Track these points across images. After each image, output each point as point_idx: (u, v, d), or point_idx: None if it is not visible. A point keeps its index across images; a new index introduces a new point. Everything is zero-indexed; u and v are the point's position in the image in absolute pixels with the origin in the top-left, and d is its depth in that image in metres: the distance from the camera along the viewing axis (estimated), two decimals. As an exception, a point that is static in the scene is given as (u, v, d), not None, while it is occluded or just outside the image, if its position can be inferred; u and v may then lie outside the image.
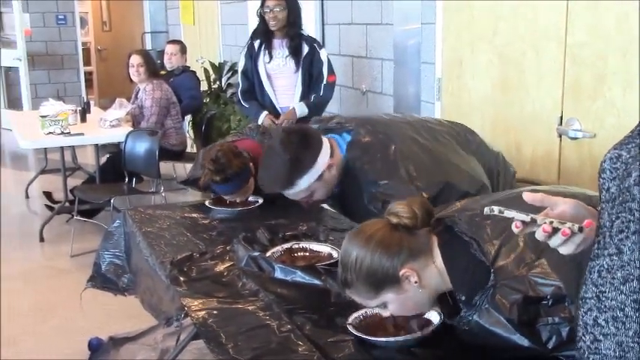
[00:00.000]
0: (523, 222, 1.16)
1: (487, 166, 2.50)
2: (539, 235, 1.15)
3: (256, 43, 4.50)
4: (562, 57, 3.03)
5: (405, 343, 1.69)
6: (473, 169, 2.40)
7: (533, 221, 1.15)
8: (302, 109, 4.44)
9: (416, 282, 1.63)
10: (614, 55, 2.77)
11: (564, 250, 1.17)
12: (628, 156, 1.09)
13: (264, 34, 4.46)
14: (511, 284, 1.54)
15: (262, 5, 4.40)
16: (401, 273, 1.62)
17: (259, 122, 4.44)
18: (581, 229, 1.13)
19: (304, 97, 4.47)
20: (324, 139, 2.34)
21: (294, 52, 4.41)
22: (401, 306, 1.68)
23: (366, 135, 2.35)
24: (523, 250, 1.57)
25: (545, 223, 1.14)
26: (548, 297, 1.51)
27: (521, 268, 1.55)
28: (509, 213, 1.16)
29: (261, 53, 4.48)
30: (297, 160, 2.24)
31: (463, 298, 1.62)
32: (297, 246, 2.36)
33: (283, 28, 4.39)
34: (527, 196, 1.19)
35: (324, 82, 4.45)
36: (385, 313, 1.73)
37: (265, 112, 4.46)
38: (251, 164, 2.80)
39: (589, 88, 2.92)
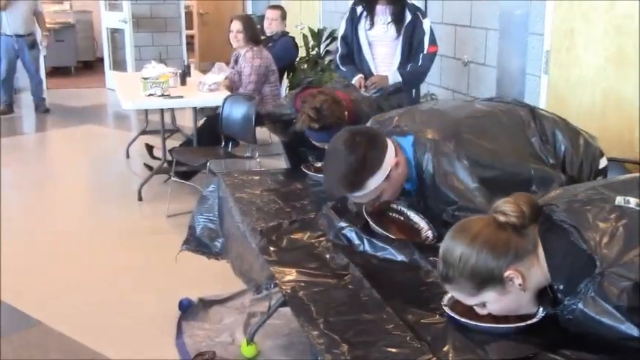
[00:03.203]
0: None
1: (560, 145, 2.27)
2: None
3: (359, 9, 4.40)
4: (687, 30, 2.81)
5: (507, 331, 1.62)
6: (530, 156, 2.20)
7: None
8: (395, 77, 4.33)
9: (520, 284, 1.56)
10: None
11: None
12: None
13: (367, 2, 4.36)
14: (619, 271, 1.44)
15: None
16: (506, 274, 1.55)
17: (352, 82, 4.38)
18: None
19: (403, 65, 4.36)
20: (387, 139, 2.22)
21: (397, 19, 4.29)
22: (502, 306, 1.62)
23: (429, 134, 2.19)
24: (627, 236, 1.47)
25: None
26: None
27: (630, 254, 1.44)
28: None
29: (363, 19, 4.38)
30: (365, 159, 2.11)
31: (561, 287, 1.55)
32: (394, 206, 2.28)
33: None
34: None
35: (424, 52, 4.32)
36: (482, 312, 1.65)
37: (360, 75, 4.36)
38: (345, 113, 2.76)
39: None
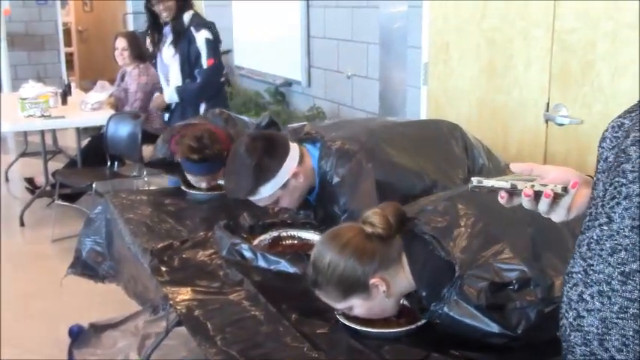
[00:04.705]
0: (507, 192, 1.15)
1: (473, 161, 2.40)
2: (524, 202, 1.14)
3: (156, 37, 4.44)
4: (550, 43, 3.00)
5: (399, 334, 1.69)
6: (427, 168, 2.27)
7: (514, 187, 1.14)
8: (171, 95, 4.40)
9: (384, 291, 1.64)
10: (603, 41, 2.75)
11: (556, 217, 1.16)
12: (630, 123, 1.07)
13: (152, 26, 4.40)
14: (477, 273, 1.56)
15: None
16: (371, 282, 1.63)
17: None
18: (565, 190, 1.12)
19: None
20: (294, 146, 2.25)
21: (175, 38, 4.29)
22: (367, 311, 1.70)
23: (334, 144, 2.24)
24: (482, 239, 1.61)
25: (525, 187, 1.13)
26: (514, 282, 1.53)
27: (484, 254, 1.57)
28: (487, 182, 1.16)
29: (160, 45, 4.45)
30: (260, 167, 2.15)
31: (424, 293, 1.65)
32: (285, 234, 2.33)
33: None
34: (515, 166, 1.18)
35: (203, 66, 4.31)
36: (350, 314, 1.73)
37: (156, 94, 4.58)
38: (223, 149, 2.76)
39: (577, 74, 2.89)
